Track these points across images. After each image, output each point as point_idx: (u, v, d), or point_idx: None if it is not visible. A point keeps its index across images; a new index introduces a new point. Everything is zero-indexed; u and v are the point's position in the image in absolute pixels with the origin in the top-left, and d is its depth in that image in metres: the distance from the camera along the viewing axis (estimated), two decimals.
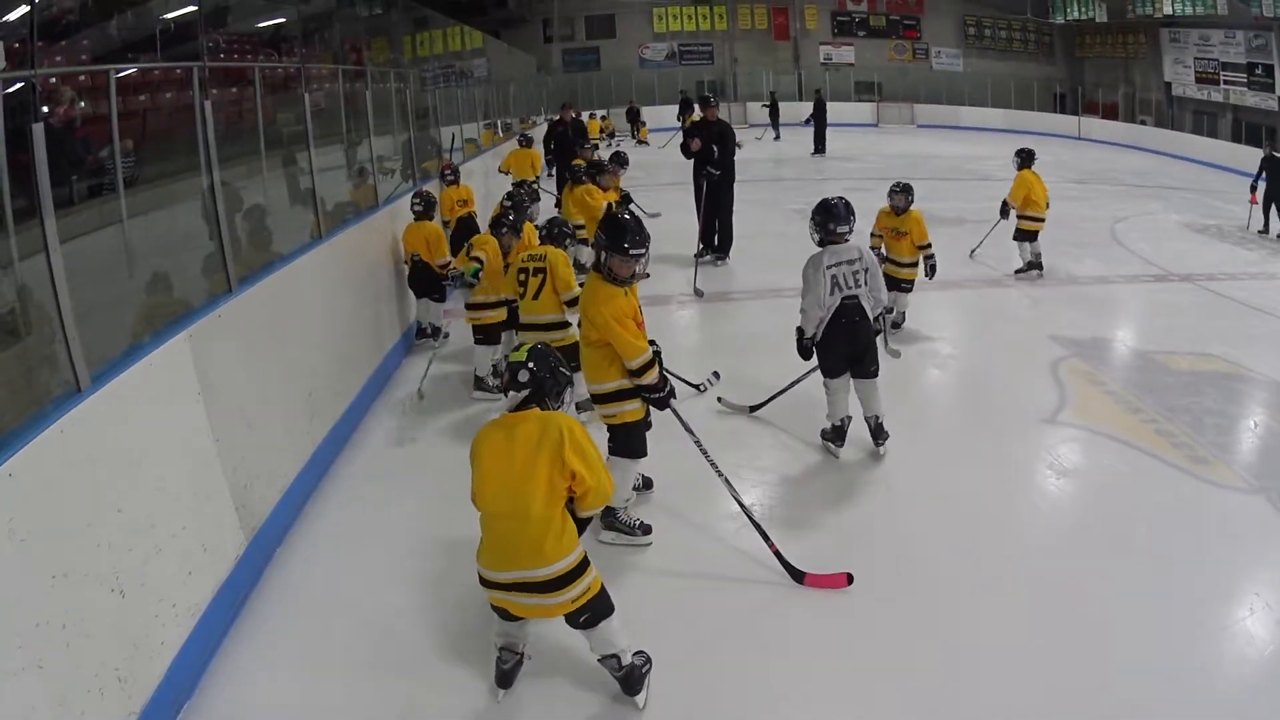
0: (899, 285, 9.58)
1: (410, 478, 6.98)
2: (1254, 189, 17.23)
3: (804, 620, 5.02)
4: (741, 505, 5.58)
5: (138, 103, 8.81)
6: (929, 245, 9.73)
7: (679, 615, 5.06)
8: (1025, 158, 12.99)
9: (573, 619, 4.00)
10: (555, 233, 7.69)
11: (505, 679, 4.30)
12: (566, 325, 7.17)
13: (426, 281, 9.44)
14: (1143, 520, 6.17)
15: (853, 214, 6.61)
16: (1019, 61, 42.46)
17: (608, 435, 5.70)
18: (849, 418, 6.89)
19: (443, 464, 6.84)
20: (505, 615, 4.09)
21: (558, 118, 18.18)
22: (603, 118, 33.01)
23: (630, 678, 4.16)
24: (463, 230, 11.81)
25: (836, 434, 6.95)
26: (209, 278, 5.62)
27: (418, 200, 9.41)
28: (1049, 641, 4.88)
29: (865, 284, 6.46)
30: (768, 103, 33.66)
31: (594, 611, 3.99)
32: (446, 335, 9.69)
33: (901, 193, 9.74)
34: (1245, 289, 12.63)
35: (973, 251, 14.13)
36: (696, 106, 14.42)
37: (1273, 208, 16.75)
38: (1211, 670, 4.67)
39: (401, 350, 9.40)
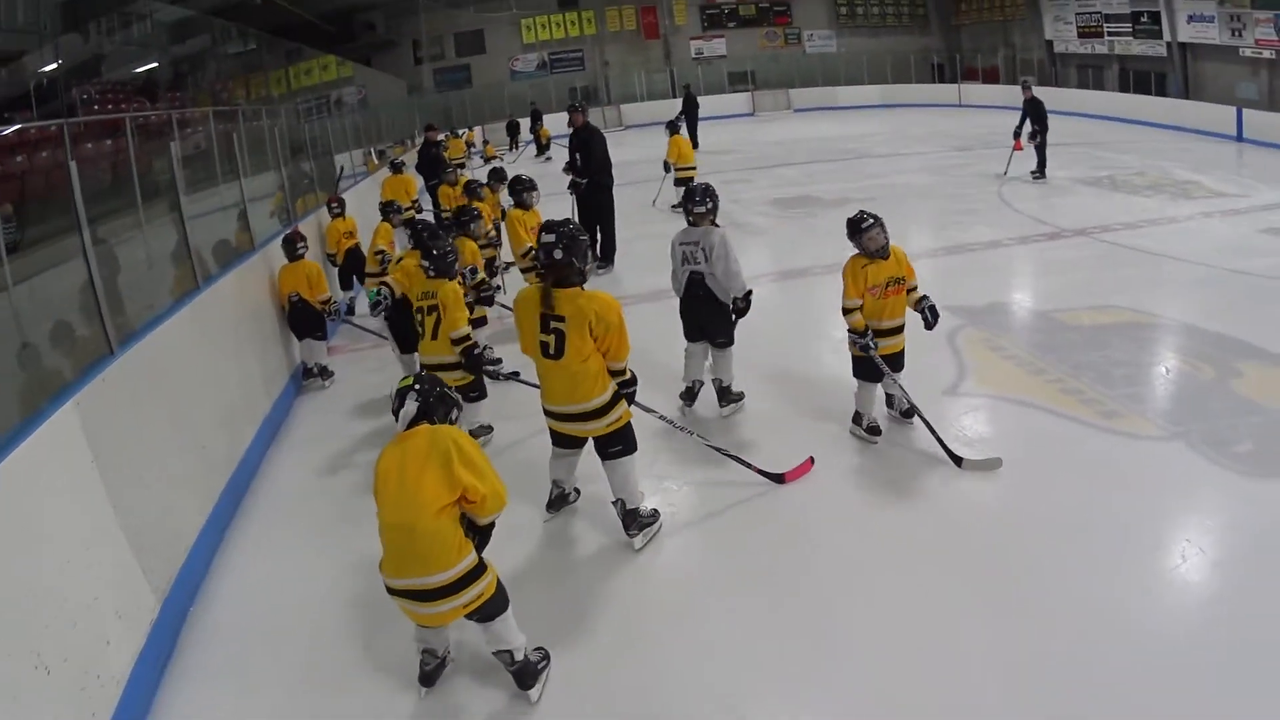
0: (898, 362, 7.09)
1: (313, 512, 6.78)
2: (1018, 135, 18.45)
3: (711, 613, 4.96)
4: (716, 448, 6.64)
5: (14, 164, 8.67)
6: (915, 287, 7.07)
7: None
8: (672, 127, 16.19)
9: (469, 616, 4.31)
10: (446, 262, 7.16)
11: (428, 679, 4.63)
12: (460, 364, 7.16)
13: (308, 321, 9.42)
14: (1058, 483, 6.09)
15: (709, 196, 7.48)
16: (894, 36, 43.42)
17: (606, 445, 5.70)
18: (699, 382, 7.91)
19: (341, 494, 7.00)
20: (421, 624, 4.45)
21: (425, 139, 18.23)
22: (459, 134, 32.74)
23: (523, 672, 4.49)
24: (350, 263, 11.83)
25: (686, 394, 7.92)
26: (91, 341, 5.67)
27: (299, 241, 9.39)
28: (980, 618, 4.78)
29: (706, 260, 7.26)
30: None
31: (483, 611, 4.31)
32: (332, 374, 9.65)
33: (877, 225, 6.64)
34: (1146, 237, 12.85)
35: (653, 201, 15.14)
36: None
37: (1037, 153, 18.17)
38: (1154, 625, 4.58)
39: (291, 393, 9.29)
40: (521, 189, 10.52)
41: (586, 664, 4.76)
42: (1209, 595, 4.82)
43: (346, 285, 12.33)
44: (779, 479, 6.42)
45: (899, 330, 6.91)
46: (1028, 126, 18.38)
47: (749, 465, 6.49)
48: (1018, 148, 18.71)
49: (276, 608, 5.61)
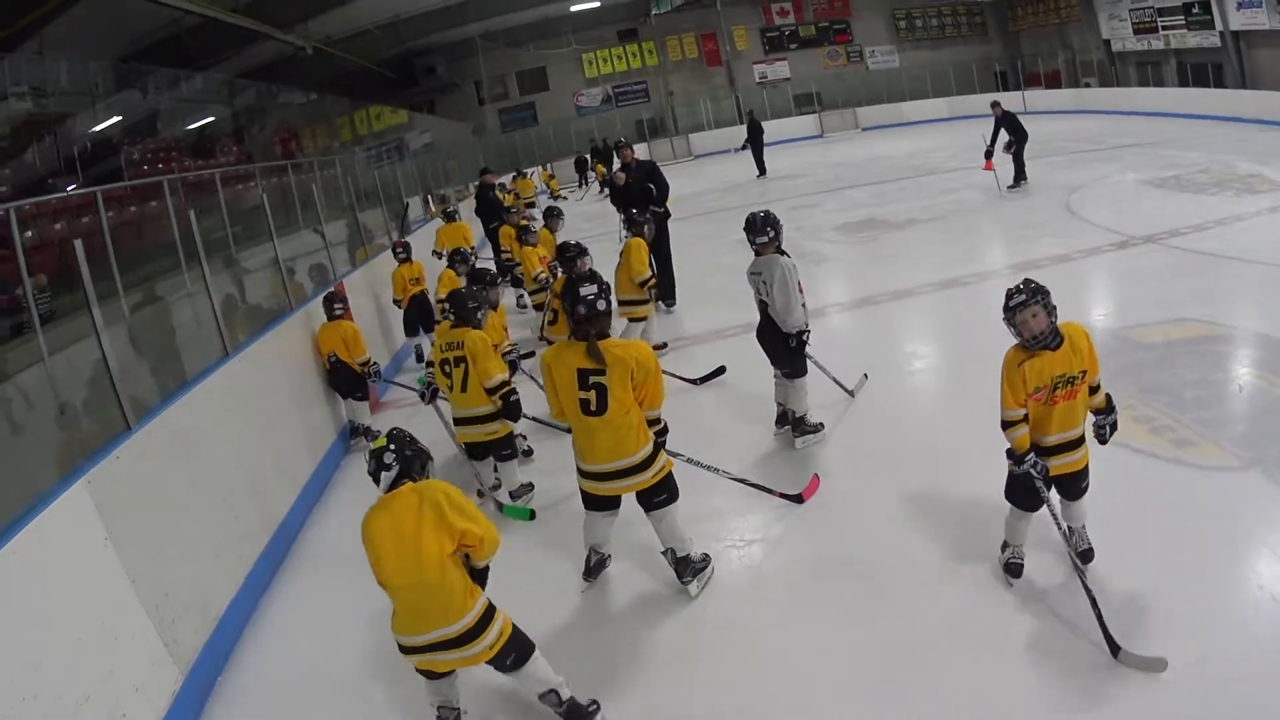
0: (1074, 487, 5.20)
1: (351, 575, 6.38)
2: (989, 155, 18.32)
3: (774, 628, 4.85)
4: (736, 478, 6.67)
5: (53, 232, 8.88)
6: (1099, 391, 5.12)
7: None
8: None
9: (499, 665, 4.34)
10: (468, 309, 7.04)
11: None
12: (496, 415, 7.00)
13: (348, 381, 9.28)
14: (1132, 526, 5.63)
15: (770, 225, 7.21)
16: (954, 46, 42.86)
17: (651, 496, 5.55)
18: (780, 405, 7.82)
19: None
20: (431, 675, 4.44)
21: (481, 183, 18.05)
22: (527, 174, 32.41)
23: (573, 712, 4.51)
24: (415, 310, 11.71)
25: (780, 419, 7.88)
26: (107, 414, 5.66)
27: (336, 301, 9.30)
28: (1066, 672, 4.49)
29: (768, 294, 7.11)
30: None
31: (516, 653, 4.34)
32: (378, 433, 9.33)
33: (1035, 303, 4.75)
34: (1213, 238, 12.29)
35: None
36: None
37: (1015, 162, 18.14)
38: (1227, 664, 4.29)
39: (339, 452, 9.14)
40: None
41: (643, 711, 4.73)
42: None
43: (412, 332, 12.13)
44: (798, 499, 6.55)
45: (1077, 444, 4.99)
46: (1003, 138, 18.38)
47: (773, 491, 6.58)
48: (988, 167, 18.60)
49: (308, 673, 5.57)
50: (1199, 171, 17.36)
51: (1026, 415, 4.88)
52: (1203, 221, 13.27)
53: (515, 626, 4.40)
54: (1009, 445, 4.98)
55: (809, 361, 7.58)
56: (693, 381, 9.48)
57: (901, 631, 5.06)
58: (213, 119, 18.34)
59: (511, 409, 6.94)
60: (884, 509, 6.42)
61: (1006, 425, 4.93)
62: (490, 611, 4.30)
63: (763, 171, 27.79)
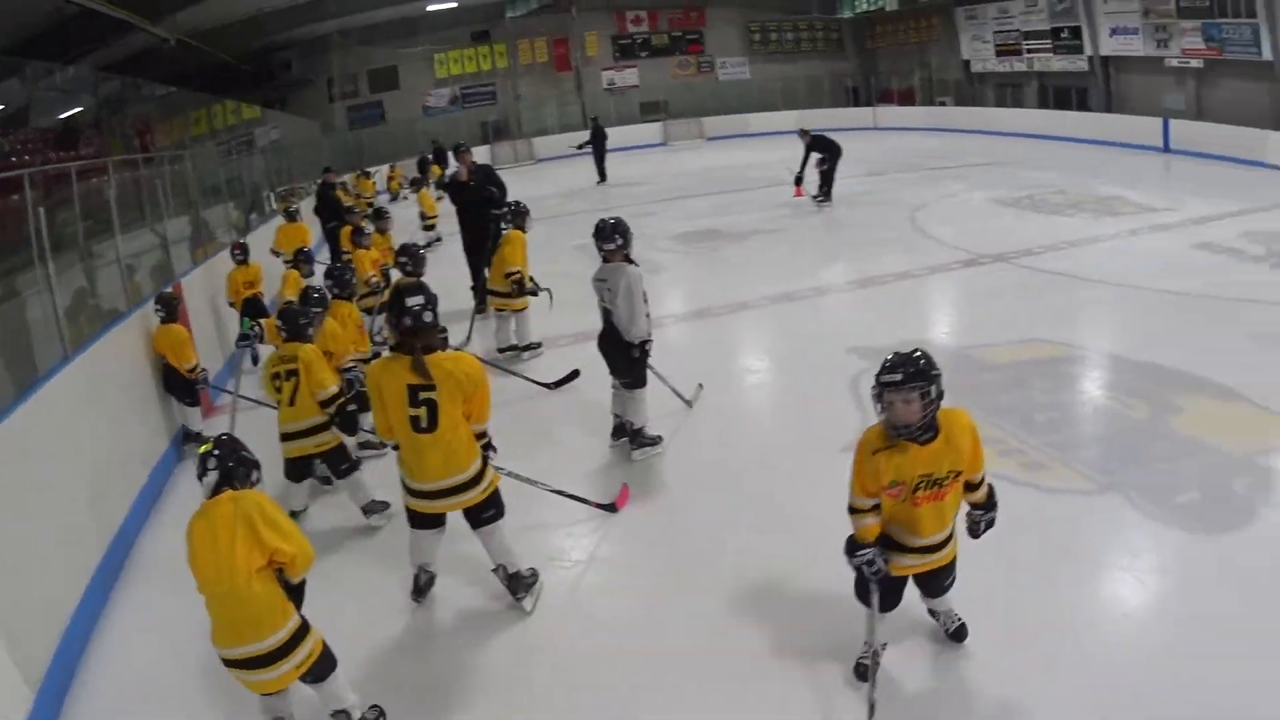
0: (936, 584, 4.64)
1: (191, 588, 6.03)
2: (799, 181, 19.25)
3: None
4: (555, 490, 6.55)
5: None
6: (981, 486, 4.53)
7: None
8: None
9: (302, 678, 4.40)
10: (297, 324, 6.99)
11: None
12: (329, 425, 6.88)
13: (179, 386, 9.10)
14: (981, 552, 5.29)
15: (619, 232, 7.20)
16: (808, 61, 43.62)
17: (480, 512, 5.48)
18: (616, 416, 7.77)
19: None
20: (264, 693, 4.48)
21: (322, 182, 17.74)
22: (358, 176, 31.78)
23: None
24: (249, 313, 11.42)
25: (616, 431, 7.83)
26: None
27: (159, 304, 9.00)
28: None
29: (613, 302, 7.14)
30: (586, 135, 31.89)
31: (315, 672, 4.42)
32: (208, 439, 8.85)
33: (911, 386, 4.06)
34: (1067, 259, 12.39)
35: None
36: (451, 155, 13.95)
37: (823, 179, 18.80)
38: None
39: (172, 459, 8.82)
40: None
41: None
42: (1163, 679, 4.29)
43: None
44: (611, 509, 6.65)
45: (940, 546, 4.37)
46: (814, 161, 18.95)
47: (588, 501, 6.65)
48: (798, 194, 19.19)
49: (153, 685, 5.37)
50: (1055, 192, 17.67)
51: (877, 506, 4.28)
52: (1056, 242, 13.40)
53: (325, 644, 4.48)
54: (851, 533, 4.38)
55: (650, 373, 7.61)
56: (548, 386, 9.44)
57: (733, 647, 5.01)
58: (80, 109, 18.29)
59: (347, 420, 6.90)
60: (718, 520, 6.42)
61: (853, 511, 4.34)
62: (303, 630, 4.35)
63: (603, 178, 27.72)
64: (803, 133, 19.37)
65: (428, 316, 5.11)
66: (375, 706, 4.76)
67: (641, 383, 7.49)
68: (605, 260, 7.29)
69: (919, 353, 4.11)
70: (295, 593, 4.39)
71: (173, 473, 8.56)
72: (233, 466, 4.34)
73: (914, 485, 4.14)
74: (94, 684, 5.45)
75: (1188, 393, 7.67)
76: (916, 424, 4.04)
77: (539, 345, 10.80)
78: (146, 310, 9.08)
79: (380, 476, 7.23)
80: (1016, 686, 4.38)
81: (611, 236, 7.21)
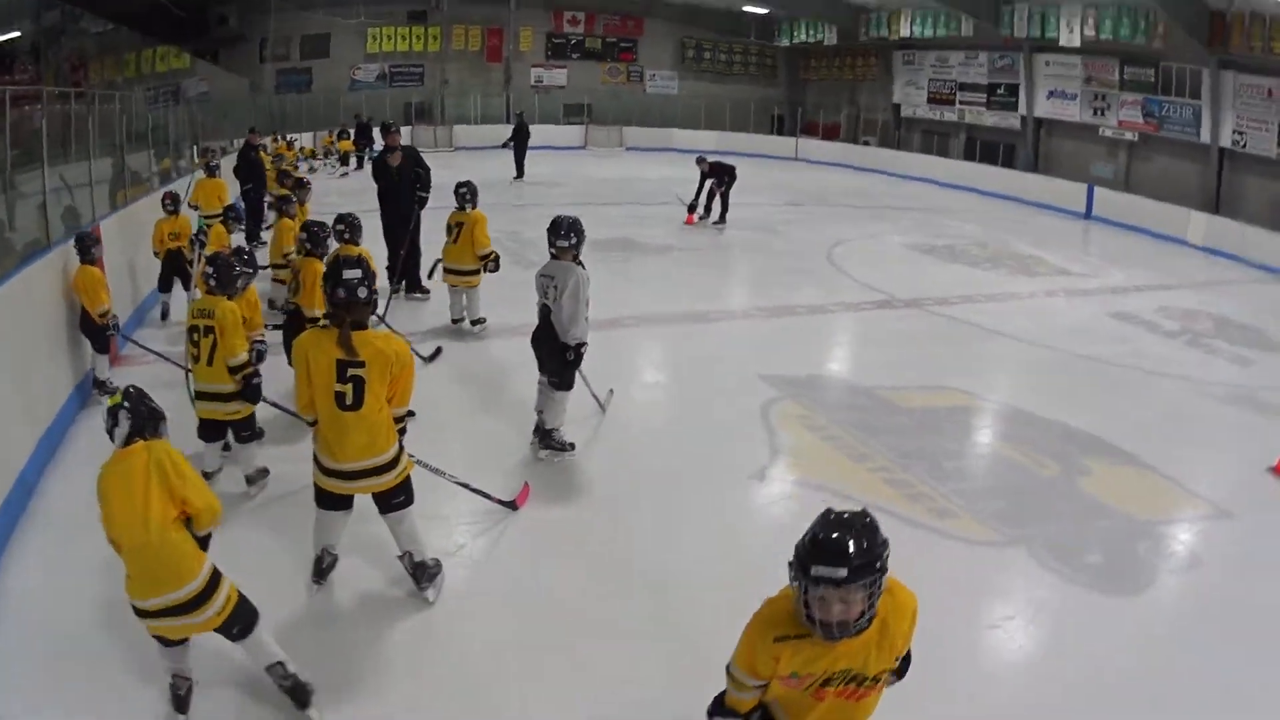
0: None
1: (92, 537, 5.78)
2: (692, 209, 19.58)
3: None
4: (460, 482, 6.44)
5: None
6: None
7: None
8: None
9: (227, 632, 4.43)
10: (229, 275, 6.88)
11: (181, 704, 4.62)
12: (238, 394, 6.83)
13: (91, 330, 8.97)
14: None
15: (574, 231, 7.35)
16: (738, 84, 44.05)
17: (391, 497, 5.43)
18: (540, 413, 7.71)
19: None
20: (165, 642, 4.46)
21: (245, 142, 17.70)
22: (290, 142, 31.55)
23: (298, 689, 4.60)
24: (171, 265, 11.50)
25: (536, 428, 7.78)
26: None
27: (78, 244, 8.87)
28: None
29: (555, 299, 7.21)
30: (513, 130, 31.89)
31: (243, 622, 4.45)
32: (115, 388, 8.65)
33: (860, 583, 2.94)
34: (983, 312, 12.64)
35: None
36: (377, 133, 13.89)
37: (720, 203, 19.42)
38: None
39: (76, 404, 8.69)
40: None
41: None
42: None
43: (165, 288, 11.79)
44: (512, 506, 6.69)
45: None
46: (704, 196, 19.50)
47: (489, 496, 6.62)
48: (689, 221, 19.44)
49: (51, 634, 5.27)
50: (974, 245, 18.05)
51: (763, 688, 3.28)
52: (973, 294, 13.70)
53: (241, 594, 4.48)
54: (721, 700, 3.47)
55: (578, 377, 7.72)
56: (424, 359, 9.76)
57: (623, 647, 5.16)
58: (18, 34, 17.79)
59: (251, 391, 6.84)
60: (617, 529, 6.53)
61: (730, 678, 3.34)
62: (216, 577, 4.38)
63: (521, 174, 27.66)
64: (700, 160, 19.72)
65: (362, 292, 5.05)
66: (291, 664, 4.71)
67: (568, 385, 7.55)
68: (554, 257, 7.38)
69: (868, 522, 3.00)
70: (202, 544, 4.39)
71: (76, 418, 8.42)
72: (143, 416, 4.36)
73: (826, 679, 3.13)
74: None
75: (1096, 456, 7.87)
76: (853, 624, 2.98)
77: (485, 320, 11.25)
78: (67, 248, 8.97)
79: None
80: None
81: (567, 235, 7.31)
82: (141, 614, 4.31)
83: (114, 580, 4.97)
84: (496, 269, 11.08)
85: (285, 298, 9.15)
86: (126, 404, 4.36)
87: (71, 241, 8.97)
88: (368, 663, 5.03)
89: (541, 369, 7.63)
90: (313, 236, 8.92)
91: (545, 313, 7.39)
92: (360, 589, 5.73)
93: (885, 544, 2.96)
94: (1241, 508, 7.14)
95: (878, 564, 2.93)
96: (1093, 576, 5.92)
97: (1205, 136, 23.01)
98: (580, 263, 7.38)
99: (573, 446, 7.71)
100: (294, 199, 12.23)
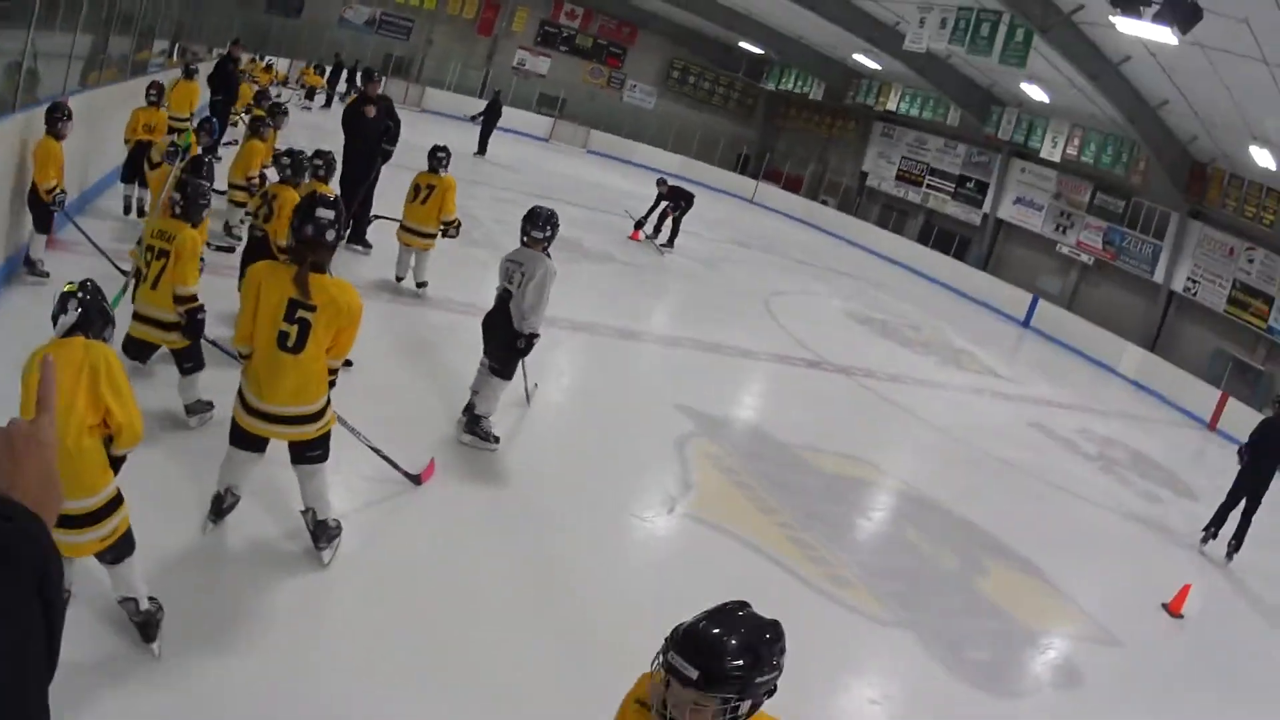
0: None
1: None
2: (639, 225, 19.71)
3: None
4: (373, 446, 6.36)
5: None
6: None
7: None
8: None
9: (101, 556, 4.29)
10: (196, 203, 6.72)
11: None
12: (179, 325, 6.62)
13: (34, 205, 8.69)
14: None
15: (552, 224, 7.49)
16: (714, 115, 44.18)
17: (307, 449, 5.30)
18: (474, 391, 7.72)
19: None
20: None
21: (226, 53, 17.25)
22: (257, 63, 31.16)
23: (147, 624, 4.47)
24: (139, 157, 11.09)
25: (467, 406, 7.75)
26: None
27: (59, 115, 8.66)
28: None
29: (519, 286, 7.29)
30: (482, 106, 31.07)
31: (117, 550, 4.29)
32: (46, 274, 8.71)
33: (717, 683, 2.53)
34: (910, 395, 12.75)
35: None
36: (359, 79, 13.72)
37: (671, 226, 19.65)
38: None
39: (1, 277, 8.32)
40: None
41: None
42: None
43: (129, 178, 11.55)
44: (416, 480, 6.61)
45: None
46: (655, 217, 19.61)
47: (395, 465, 6.54)
48: (634, 237, 19.54)
49: None
50: (909, 326, 18.26)
51: None
52: (901, 374, 13.84)
53: (130, 526, 4.35)
54: None
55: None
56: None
57: (503, 640, 5.15)
58: None
59: (194, 327, 6.61)
60: (508, 525, 6.52)
61: None
62: (117, 500, 4.25)
63: (482, 151, 27.49)
64: (660, 182, 19.79)
65: (330, 235, 4.98)
66: (154, 599, 4.56)
67: (509, 375, 7.58)
68: (526, 244, 7.45)
69: (768, 637, 2.64)
70: (115, 465, 4.30)
71: (0, 292, 8.14)
72: (92, 314, 4.27)
73: None
74: None
75: (996, 557, 7.99)
76: None
77: (427, 284, 11.26)
78: (29, 116, 8.74)
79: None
80: None
81: (544, 226, 7.43)
82: None
83: None
84: (456, 235, 11.31)
85: (251, 222, 8.91)
86: (80, 295, 4.26)
87: (37, 110, 8.73)
88: (247, 615, 4.89)
89: (486, 352, 7.66)
90: (296, 164, 8.82)
91: (504, 297, 7.43)
92: (252, 536, 5.57)
93: (771, 668, 2.56)
94: (1131, 637, 7.30)
95: (747, 686, 2.51)
96: (976, 673, 5.97)
97: (1159, 276, 23.56)
98: (549, 255, 7.43)
99: (497, 441, 7.66)
100: (268, 123, 12.03)
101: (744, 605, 2.72)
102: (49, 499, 1.37)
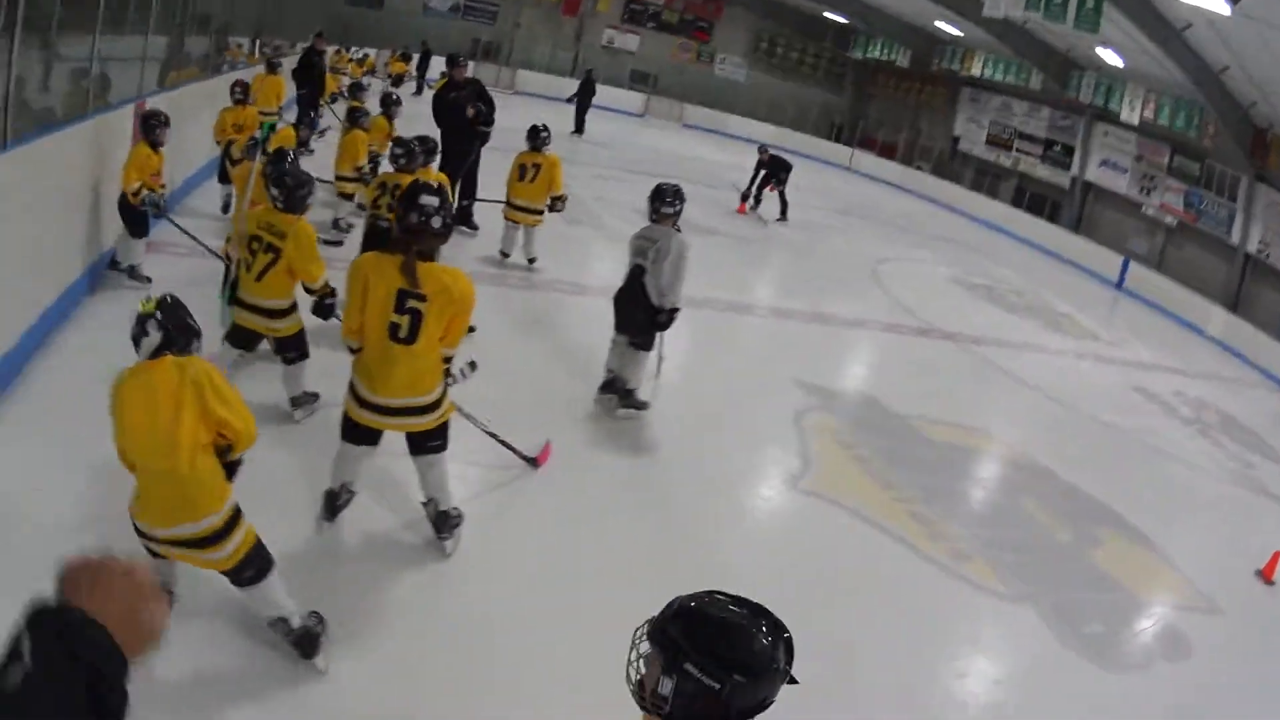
0: None
1: (78, 435, 5.35)
2: (745, 198, 19.36)
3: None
4: (489, 431, 6.30)
5: None
6: None
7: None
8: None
9: (235, 578, 4.09)
10: (295, 196, 6.42)
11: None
12: (293, 310, 6.52)
13: (124, 211, 8.43)
14: (897, 627, 5.45)
15: (680, 198, 7.52)
16: (804, 85, 43.61)
17: (428, 440, 5.19)
18: (610, 372, 7.79)
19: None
20: (154, 553, 4.04)
21: (310, 46, 17.18)
22: (357, 55, 31.32)
23: (304, 640, 4.28)
24: (225, 156, 10.98)
25: (607, 385, 7.79)
26: None
27: (155, 122, 8.46)
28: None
29: (655, 260, 7.26)
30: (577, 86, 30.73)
31: (256, 567, 4.09)
32: (148, 278, 8.50)
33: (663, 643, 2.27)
34: (1015, 360, 12.54)
35: None
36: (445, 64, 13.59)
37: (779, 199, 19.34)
38: None
39: (84, 286, 8.00)
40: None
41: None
42: None
43: (225, 178, 11.21)
44: (534, 463, 6.52)
45: None
46: (755, 186, 19.33)
47: (512, 449, 6.48)
48: (741, 210, 19.25)
49: (28, 534, 4.72)
50: (1012, 291, 17.93)
51: None
52: (1007, 339, 13.63)
53: (259, 539, 4.13)
54: None
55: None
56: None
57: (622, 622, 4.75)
58: None
59: (326, 309, 6.55)
60: (629, 502, 6.46)
61: None
62: (237, 515, 4.04)
63: (580, 130, 27.55)
64: (762, 149, 19.56)
65: (436, 222, 4.80)
66: (314, 613, 4.39)
67: (651, 346, 7.60)
68: (655, 221, 7.47)
69: (757, 631, 2.21)
70: (231, 471, 4.09)
71: (82, 302, 7.88)
72: (176, 331, 3.98)
73: None
74: None
75: (1106, 526, 7.81)
76: (646, 698, 2.21)
77: (537, 259, 11.50)
78: (103, 120, 8.45)
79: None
80: None
81: (672, 201, 7.44)
82: (144, 536, 3.96)
83: (101, 482, 4.83)
84: (563, 209, 11.50)
85: (371, 212, 8.89)
86: (159, 315, 3.95)
87: (109, 115, 8.55)
88: (368, 612, 4.81)
89: (621, 328, 7.69)
90: (409, 152, 8.76)
91: (637, 274, 7.40)
92: (370, 530, 5.52)
93: (727, 661, 2.12)
94: (1231, 604, 7.10)
95: (693, 660, 2.13)
96: (1093, 647, 5.86)
97: (1235, 238, 22.87)
98: (679, 229, 7.46)
99: (647, 405, 7.75)
100: (367, 112, 11.98)
101: (760, 609, 2.27)
102: (133, 637, 1.43)
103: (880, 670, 5.06)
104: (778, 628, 2.22)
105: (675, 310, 7.39)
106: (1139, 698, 5.58)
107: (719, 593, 2.30)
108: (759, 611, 2.25)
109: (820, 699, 4.59)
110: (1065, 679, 5.49)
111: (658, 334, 7.57)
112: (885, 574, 6.09)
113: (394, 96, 13.53)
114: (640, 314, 7.44)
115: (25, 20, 6.93)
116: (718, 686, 2.10)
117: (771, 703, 2.16)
